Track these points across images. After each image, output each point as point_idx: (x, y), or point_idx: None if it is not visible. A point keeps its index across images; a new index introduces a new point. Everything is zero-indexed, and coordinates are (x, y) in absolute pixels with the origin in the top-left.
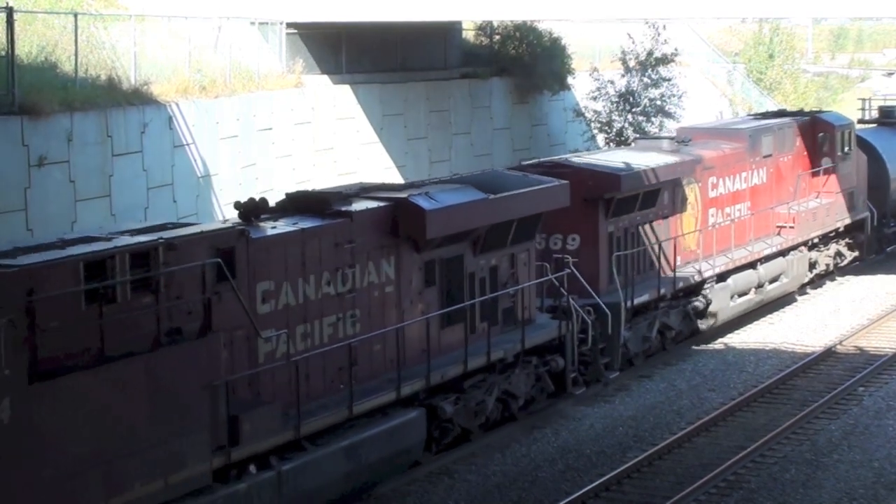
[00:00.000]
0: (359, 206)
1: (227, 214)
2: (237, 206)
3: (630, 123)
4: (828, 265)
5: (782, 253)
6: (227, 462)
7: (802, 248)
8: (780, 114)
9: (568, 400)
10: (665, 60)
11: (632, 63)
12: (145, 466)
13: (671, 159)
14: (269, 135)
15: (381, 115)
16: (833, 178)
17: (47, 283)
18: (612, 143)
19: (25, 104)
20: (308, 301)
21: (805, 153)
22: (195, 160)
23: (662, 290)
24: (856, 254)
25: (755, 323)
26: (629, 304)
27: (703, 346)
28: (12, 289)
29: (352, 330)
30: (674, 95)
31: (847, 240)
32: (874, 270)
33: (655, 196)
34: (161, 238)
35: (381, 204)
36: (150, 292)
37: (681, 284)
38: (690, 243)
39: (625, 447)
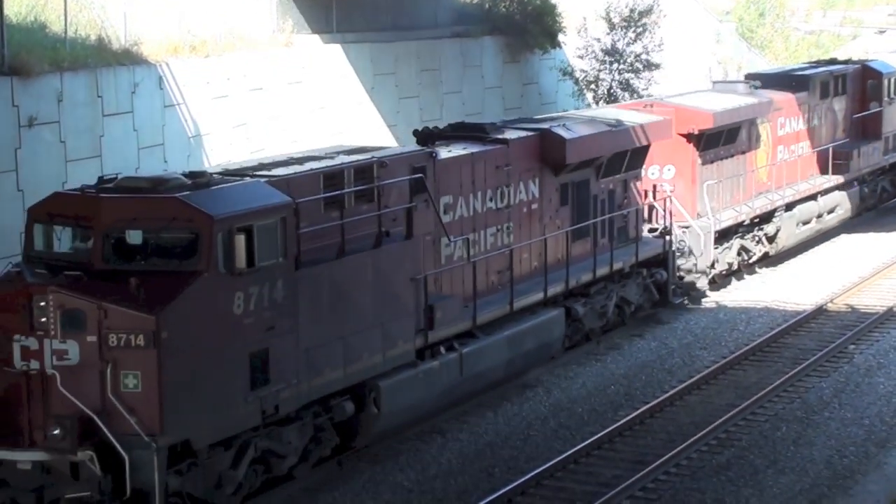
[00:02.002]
0: (512, 134)
1: None
2: (415, 132)
3: (617, 81)
4: (875, 199)
5: (838, 187)
6: (424, 343)
7: (854, 182)
8: (832, 62)
9: (667, 308)
10: (647, 12)
11: (616, 20)
12: (370, 342)
13: (748, 100)
14: (260, 94)
15: (372, 75)
16: (881, 119)
17: (301, 191)
18: (600, 102)
19: (15, 64)
20: (476, 214)
21: (856, 98)
22: (186, 120)
23: (742, 217)
24: None
25: (746, 281)
26: (716, 227)
27: (694, 306)
28: (295, 191)
29: (507, 240)
30: (655, 45)
31: (891, 177)
32: (866, 228)
33: (736, 133)
34: (374, 157)
35: (529, 133)
36: (369, 201)
37: (757, 211)
38: (763, 176)
39: (616, 405)
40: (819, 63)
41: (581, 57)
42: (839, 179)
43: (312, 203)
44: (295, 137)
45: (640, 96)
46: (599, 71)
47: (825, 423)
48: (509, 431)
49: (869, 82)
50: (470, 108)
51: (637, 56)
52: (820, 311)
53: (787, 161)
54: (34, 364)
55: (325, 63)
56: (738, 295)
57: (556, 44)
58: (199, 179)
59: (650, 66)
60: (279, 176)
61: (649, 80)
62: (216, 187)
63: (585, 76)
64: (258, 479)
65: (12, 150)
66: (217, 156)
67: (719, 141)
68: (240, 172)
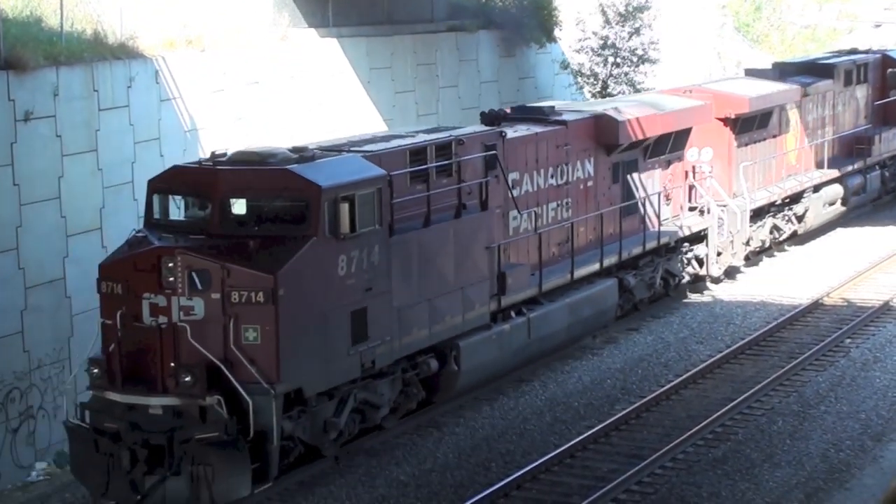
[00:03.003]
0: (570, 116)
1: None
2: (482, 114)
3: (613, 75)
4: (895, 183)
5: (862, 171)
6: (498, 307)
7: (876, 166)
8: (853, 52)
9: (707, 281)
10: (643, 8)
11: (611, 14)
12: (451, 304)
13: (778, 87)
14: (257, 89)
15: (369, 69)
16: None
17: (391, 166)
18: (597, 96)
19: (11, 59)
20: (539, 189)
21: (877, 86)
22: (182, 114)
23: (774, 197)
24: None
25: (742, 275)
26: (750, 206)
27: (690, 299)
28: (386, 164)
29: (566, 214)
30: (653, 42)
31: None
32: (861, 222)
33: (769, 117)
34: (452, 135)
35: (585, 116)
36: (448, 175)
37: (788, 192)
38: (792, 159)
39: (613, 399)
40: (841, 52)
41: (578, 51)
42: (862, 164)
43: (402, 176)
44: (292, 131)
45: (638, 90)
46: (595, 65)
47: (821, 417)
48: (505, 425)
49: (889, 71)
50: (466, 103)
51: (633, 51)
52: (816, 306)
53: (815, 145)
54: (162, 319)
55: (321, 57)
56: (734, 289)
57: (552, 38)
58: (303, 153)
59: (646, 61)
60: (372, 151)
61: (646, 74)
62: (320, 160)
63: (581, 69)
64: (356, 427)
65: (8, 145)
66: (214, 150)
67: (753, 125)
68: (335, 148)
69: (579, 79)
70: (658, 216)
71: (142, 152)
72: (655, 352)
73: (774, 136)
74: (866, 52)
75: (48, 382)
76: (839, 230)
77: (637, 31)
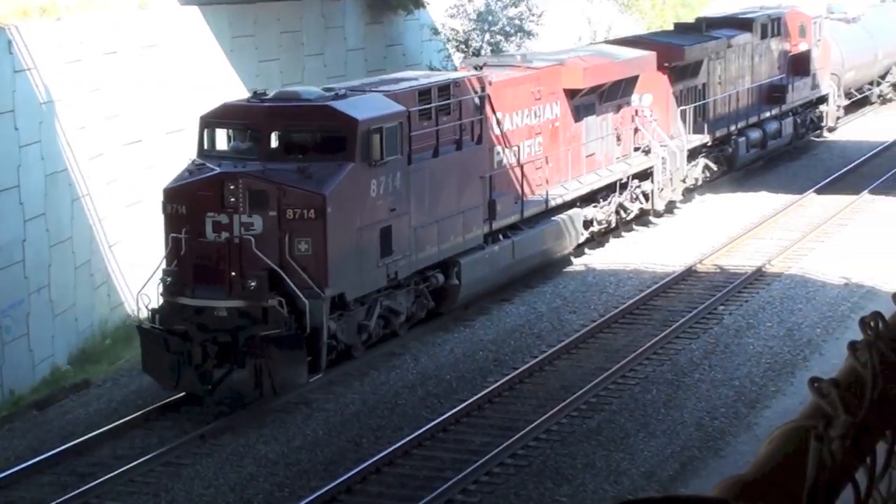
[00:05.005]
0: (541, 63)
1: (72, 141)
2: (466, 62)
3: (488, 43)
4: (810, 126)
5: (779, 117)
6: (489, 230)
7: (790, 113)
8: (767, 8)
9: (653, 215)
10: None
11: None
12: (455, 226)
13: (706, 40)
14: (115, 59)
15: (231, 37)
16: (810, 58)
17: (406, 103)
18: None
19: None
20: (518, 128)
21: (788, 39)
22: (37, 86)
23: (706, 139)
24: (839, 114)
25: (615, 242)
26: (687, 146)
27: (564, 269)
28: (401, 103)
29: (539, 151)
30: (533, 14)
31: (817, 110)
32: (733, 188)
33: (699, 67)
34: (450, 78)
35: (554, 63)
36: (448, 113)
37: (717, 135)
38: (719, 106)
39: (485, 372)
40: (757, 9)
41: (453, 16)
42: (778, 110)
43: (415, 112)
44: (150, 102)
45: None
46: (471, 31)
47: (695, 385)
48: (376, 400)
49: (800, 24)
50: (332, 71)
51: (510, 20)
52: (689, 273)
53: (738, 92)
54: (223, 235)
55: (181, 25)
56: (606, 257)
57: (420, 3)
58: (337, 92)
59: (523, 32)
60: (391, 91)
61: (520, 44)
62: (352, 98)
63: (455, 35)
64: (380, 331)
65: None
66: (70, 122)
67: (687, 73)
68: (357, 89)
69: (448, 45)
70: (612, 155)
71: None
72: (528, 322)
73: (704, 85)
74: (778, 7)
75: None
76: (709, 195)
77: (516, 3)
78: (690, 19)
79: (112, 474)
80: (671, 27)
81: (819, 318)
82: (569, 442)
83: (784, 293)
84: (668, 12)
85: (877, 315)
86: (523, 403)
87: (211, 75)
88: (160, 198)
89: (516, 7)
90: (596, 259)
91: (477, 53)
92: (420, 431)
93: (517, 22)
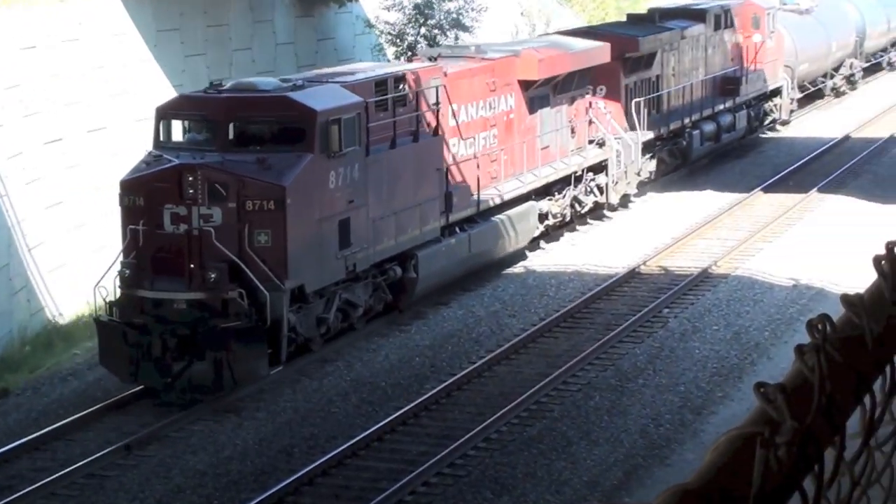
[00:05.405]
0: (496, 54)
1: None
2: (421, 53)
3: (424, 36)
4: (763, 118)
5: (732, 109)
6: (446, 223)
7: (744, 106)
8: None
9: (606, 207)
10: None
11: None
12: (412, 218)
13: (661, 30)
14: (33, 53)
15: (155, 31)
16: (764, 50)
17: (363, 94)
18: (402, 58)
19: None
20: (473, 120)
21: (742, 30)
22: None
23: (661, 131)
24: (792, 107)
25: (556, 244)
26: (641, 139)
27: (503, 271)
28: (359, 94)
29: (494, 143)
30: (472, 9)
31: (770, 102)
32: (678, 187)
33: (653, 59)
34: (406, 69)
35: (508, 54)
36: (404, 105)
37: (672, 127)
38: (673, 98)
39: (422, 378)
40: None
41: (388, 9)
42: (732, 103)
43: (372, 103)
44: (72, 98)
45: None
46: (406, 25)
47: (640, 391)
48: (308, 409)
49: (753, 16)
50: (261, 66)
51: (447, 13)
52: (632, 274)
53: (692, 84)
54: (182, 227)
55: (103, 18)
56: (547, 259)
57: None
58: (294, 83)
59: (460, 26)
60: (347, 81)
61: (456, 37)
62: (310, 88)
63: (390, 29)
64: (338, 325)
65: None
66: None
67: (641, 65)
68: (315, 80)
69: (382, 39)
70: (567, 148)
71: None
72: (466, 327)
73: (658, 76)
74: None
75: None
76: (652, 195)
77: None
78: (634, 11)
79: (32, 487)
80: (612, 20)
81: (767, 321)
82: (509, 451)
83: (731, 295)
84: (609, 4)
85: (824, 317)
86: (461, 411)
87: (135, 71)
88: (83, 198)
89: (454, 1)
90: (536, 261)
91: (412, 48)
92: (354, 440)
93: (455, 16)
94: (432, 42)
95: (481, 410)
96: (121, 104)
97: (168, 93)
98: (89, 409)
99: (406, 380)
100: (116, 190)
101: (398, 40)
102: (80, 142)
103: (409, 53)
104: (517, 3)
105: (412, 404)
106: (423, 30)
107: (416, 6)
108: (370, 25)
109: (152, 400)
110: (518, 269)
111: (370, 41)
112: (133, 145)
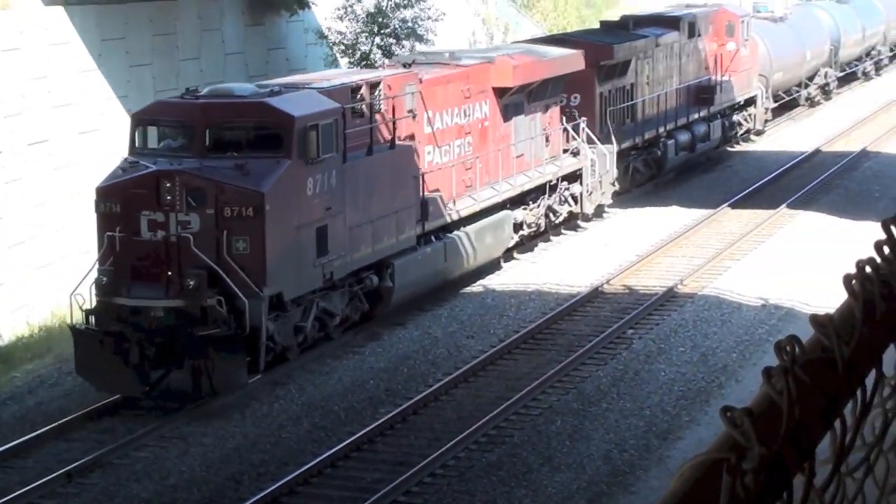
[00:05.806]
0: (470, 61)
1: None
2: (395, 58)
3: (378, 46)
4: (738, 128)
5: (707, 119)
6: (422, 231)
7: (718, 115)
8: (693, 6)
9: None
10: None
11: None
12: (388, 226)
13: (635, 38)
14: None
15: (100, 40)
16: (738, 58)
17: (339, 100)
18: (353, 66)
19: None
20: (448, 127)
21: (716, 38)
22: None
23: (636, 140)
24: (767, 116)
25: (516, 262)
26: (616, 148)
27: (461, 290)
28: (336, 100)
29: (469, 150)
30: (429, 18)
31: (744, 112)
32: (643, 203)
33: (627, 67)
34: (382, 75)
35: (482, 61)
36: (381, 111)
37: (647, 136)
38: (647, 107)
39: (376, 402)
40: (688, 6)
41: (341, 18)
42: (706, 112)
43: (349, 110)
44: (11, 111)
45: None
46: (359, 34)
47: (603, 415)
48: (258, 434)
49: (727, 23)
50: (209, 76)
51: (403, 22)
52: (596, 294)
53: (666, 93)
54: (160, 234)
55: (45, 27)
56: (507, 278)
57: (304, 4)
58: (272, 89)
59: (416, 36)
60: (324, 87)
61: (412, 47)
62: (287, 94)
63: (343, 39)
64: (316, 333)
65: None
66: None
67: (615, 73)
68: (291, 85)
69: (334, 49)
70: (541, 156)
71: None
72: (422, 348)
73: (632, 85)
74: (704, 5)
75: None
76: (617, 211)
77: (409, 4)
78: (595, 21)
79: None
80: (573, 29)
81: (735, 343)
82: (467, 478)
83: (697, 315)
84: (570, 13)
85: (793, 339)
86: (417, 436)
87: (78, 81)
88: (23, 215)
89: (411, 8)
90: (496, 280)
91: (366, 58)
92: (306, 467)
93: (410, 25)
94: (387, 52)
95: (438, 436)
96: (64, 116)
97: (112, 104)
98: (29, 436)
99: (360, 403)
100: (88, 198)
101: (351, 51)
102: (22, 155)
103: (363, 63)
104: (474, 11)
105: (366, 429)
106: (377, 39)
107: (370, 14)
108: (322, 36)
109: (98, 423)
110: (476, 287)
111: (322, 52)
112: (77, 158)
